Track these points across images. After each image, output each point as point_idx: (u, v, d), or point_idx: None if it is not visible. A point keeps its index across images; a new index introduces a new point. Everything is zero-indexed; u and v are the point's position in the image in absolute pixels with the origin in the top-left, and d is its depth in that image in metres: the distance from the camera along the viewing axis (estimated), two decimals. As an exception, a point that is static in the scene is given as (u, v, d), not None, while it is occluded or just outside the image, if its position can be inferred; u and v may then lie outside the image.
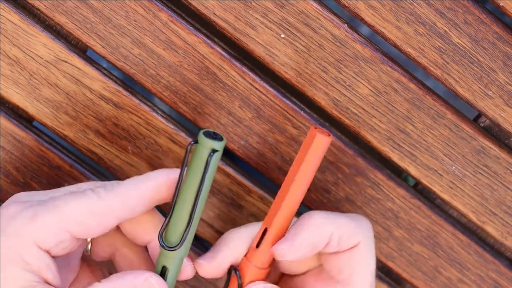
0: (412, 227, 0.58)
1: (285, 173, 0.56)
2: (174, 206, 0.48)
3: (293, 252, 0.48)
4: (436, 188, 0.57)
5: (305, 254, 0.49)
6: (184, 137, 0.56)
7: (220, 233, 0.58)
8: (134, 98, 0.55)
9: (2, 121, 0.55)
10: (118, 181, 0.48)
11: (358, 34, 0.54)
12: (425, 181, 0.57)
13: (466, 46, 0.53)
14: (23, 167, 0.56)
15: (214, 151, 0.46)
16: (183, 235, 0.47)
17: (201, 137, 0.46)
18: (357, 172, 0.57)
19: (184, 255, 0.49)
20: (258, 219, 0.58)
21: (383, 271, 0.61)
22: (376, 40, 0.56)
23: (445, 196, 0.57)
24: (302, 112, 0.55)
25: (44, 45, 0.54)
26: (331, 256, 0.51)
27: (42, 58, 0.54)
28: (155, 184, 0.48)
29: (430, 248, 0.59)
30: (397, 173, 0.59)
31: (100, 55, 0.54)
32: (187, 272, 0.49)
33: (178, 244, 0.48)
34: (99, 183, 0.49)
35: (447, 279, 0.60)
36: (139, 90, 0.57)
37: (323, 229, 0.49)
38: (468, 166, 0.56)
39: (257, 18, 0.53)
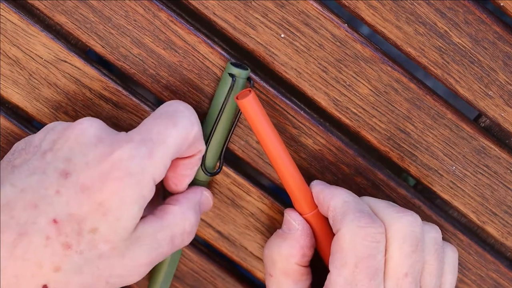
0: (412, 227, 0.58)
1: (285, 173, 0.56)
2: (211, 138, 0.53)
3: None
4: (436, 188, 0.57)
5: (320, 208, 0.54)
6: (184, 137, 0.56)
7: (220, 233, 0.58)
8: (134, 98, 0.55)
9: (2, 121, 0.55)
10: None
11: (358, 34, 0.54)
12: (425, 181, 0.57)
13: (466, 46, 0.53)
14: (22, 167, 0.56)
15: (237, 78, 0.52)
16: (219, 161, 0.54)
17: (234, 69, 0.52)
18: (357, 172, 0.57)
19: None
20: (258, 219, 0.58)
21: (383, 271, 0.61)
22: (376, 40, 0.56)
23: (446, 196, 0.57)
24: (302, 112, 0.55)
25: (44, 45, 0.53)
26: None
27: (42, 58, 0.54)
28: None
29: (430, 248, 0.59)
30: (397, 173, 0.59)
31: (100, 55, 0.54)
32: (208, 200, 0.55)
33: (218, 169, 0.55)
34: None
35: (447, 279, 0.59)
36: (139, 90, 0.56)
37: (324, 199, 0.53)
38: (469, 166, 0.56)
39: (257, 18, 0.53)
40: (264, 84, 0.55)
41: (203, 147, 0.51)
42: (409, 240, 0.50)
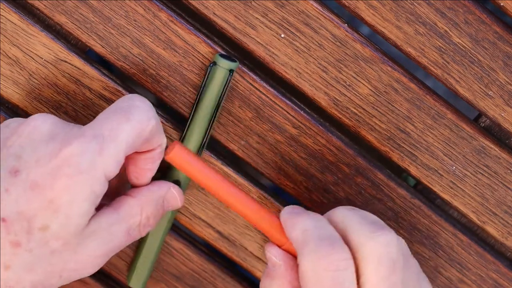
0: (413, 227, 0.58)
1: (285, 173, 0.56)
2: (190, 123, 0.53)
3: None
4: (436, 188, 0.57)
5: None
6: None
7: (220, 233, 0.58)
8: (134, 98, 0.55)
9: (2, 121, 0.55)
10: None
11: (358, 34, 0.54)
12: (425, 181, 0.57)
13: (466, 46, 0.53)
14: (22, 167, 0.56)
15: (231, 71, 0.52)
16: (199, 148, 0.54)
17: (219, 59, 0.52)
18: (357, 172, 0.57)
19: None
20: (258, 219, 0.58)
21: (383, 271, 0.61)
22: (376, 40, 0.56)
23: (446, 196, 0.57)
24: (302, 112, 0.55)
25: (44, 44, 0.53)
26: None
27: (42, 58, 0.54)
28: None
29: (430, 248, 0.59)
30: (397, 173, 0.59)
31: (100, 55, 0.54)
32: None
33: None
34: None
35: (447, 279, 0.59)
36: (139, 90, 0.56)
37: (286, 231, 0.50)
38: (469, 166, 0.56)
39: (257, 18, 0.53)
40: (264, 84, 0.55)
41: (162, 140, 0.50)
42: (385, 262, 0.46)
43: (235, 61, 0.53)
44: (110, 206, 0.49)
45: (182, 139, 0.54)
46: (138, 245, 0.57)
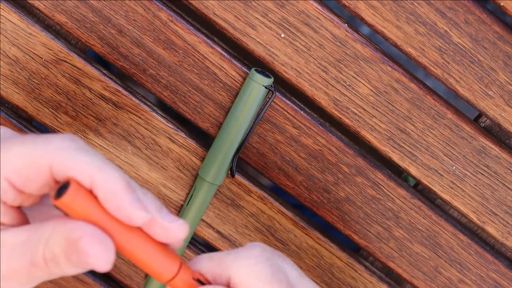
0: (413, 227, 0.58)
1: (285, 173, 0.56)
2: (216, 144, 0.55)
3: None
4: (436, 188, 0.57)
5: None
6: (183, 137, 0.56)
7: (220, 233, 0.58)
8: (133, 98, 0.55)
9: (2, 121, 0.55)
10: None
11: (359, 34, 0.54)
12: (425, 181, 0.57)
13: (466, 46, 0.53)
14: (22, 167, 0.56)
15: (269, 89, 0.54)
16: (232, 165, 0.55)
17: (258, 76, 0.53)
18: (357, 172, 0.57)
19: None
20: (258, 219, 0.58)
21: (383, 271, 0.61)
22: (376, 40, 0.56)
23: (446, 196, 0.57)
24: (302, 112, 0.55)
25: (44, 44, 0.53)
26: None
27: (42, 58, 0.54)
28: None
29: (430, 248, 0.59)
30: (398, 173, 0.59)
31: (100, 55, 0.54)
32: None
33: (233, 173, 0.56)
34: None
35: (447, 279, 0.59)
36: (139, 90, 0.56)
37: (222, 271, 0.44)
38: (469, 166, 0.56)
39: (257, 17, 0.53)
40: (264, 84, 0.55)
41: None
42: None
43: (270, 77, 0.53)
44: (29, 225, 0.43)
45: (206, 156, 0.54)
46: None
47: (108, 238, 0.40)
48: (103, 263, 0.40)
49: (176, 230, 0.43)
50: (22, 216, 0.44)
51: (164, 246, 0.43)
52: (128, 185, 0.41)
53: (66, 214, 0.41)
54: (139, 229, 0.42)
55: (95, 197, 0.41)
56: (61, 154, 0.41)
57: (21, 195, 0.42)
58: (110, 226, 0.41)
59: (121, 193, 0.41)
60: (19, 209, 0.43)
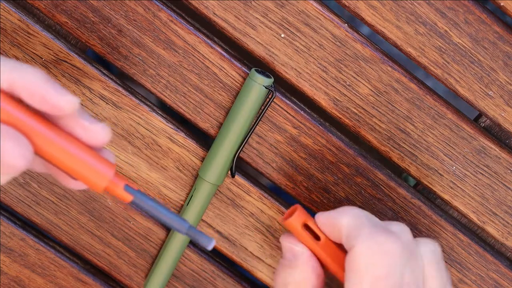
0: (413, 227, 0.58)
1: (285, 173, 0.56)
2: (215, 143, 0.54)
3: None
4: (436, 188, 0.57)
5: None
6: (183, 137, 0.56)
7: (220, 233, 0.58)
8: (133, 98, 0.55)
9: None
10: None
11: (359, 34, 0.54)
12: (425, 181, 0.57)
13: (466, 46, 0.53)
14: (22, 167, 0.56)
15: (269, 89, 0.53)
16: (232, 165, 0.55)
17: (258, 77, 0.53)
18: (357, 172, 0.57)
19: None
20: (258, 219, 0.58)
21: (383, 271, 0.61)
22: (376, 40, 0.56)
23: (446, 196, 0.57)
24: (302, 112, 0.55)
25: (44, 44, 0.53)
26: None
27: (42, 58, 0.54)
28: None
29: (430, 248, 0.59)
30: (397, 173, 0.59)
31: (100, 55, 0.54)
32: None
33: (234, 173, 0.56)
34: None
35: (447, 280, 0.59)
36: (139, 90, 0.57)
37: (335, 220, 0.50)
38: (469, 166, 0.56)
39: (257, 17, 0.53)
40: (264, 84, 0.55)
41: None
42: (437, 260, 0.50)
43: (270, 77, 0.53)
44: None
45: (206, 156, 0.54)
46: (156, 255, 0.58)
47: (21, 135, 0.42)
48: (17, 157, 0.41)
49: (97, 131, 0.44)
50: None
51: (95, 153, 0.44)
52: (48, 77, 0.42)
53: None
54: (66, 133, 0.43)
55: (15, 101, 0.42)
56: None
57: None
58: (31, 125, 0.42)
59: (43, 84, 0.42)
60: None
